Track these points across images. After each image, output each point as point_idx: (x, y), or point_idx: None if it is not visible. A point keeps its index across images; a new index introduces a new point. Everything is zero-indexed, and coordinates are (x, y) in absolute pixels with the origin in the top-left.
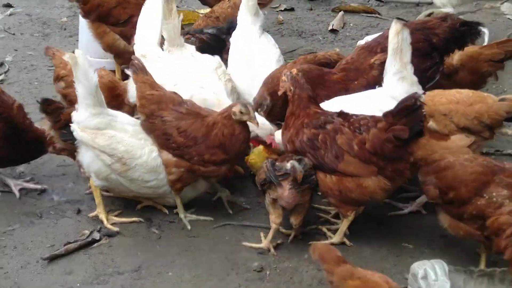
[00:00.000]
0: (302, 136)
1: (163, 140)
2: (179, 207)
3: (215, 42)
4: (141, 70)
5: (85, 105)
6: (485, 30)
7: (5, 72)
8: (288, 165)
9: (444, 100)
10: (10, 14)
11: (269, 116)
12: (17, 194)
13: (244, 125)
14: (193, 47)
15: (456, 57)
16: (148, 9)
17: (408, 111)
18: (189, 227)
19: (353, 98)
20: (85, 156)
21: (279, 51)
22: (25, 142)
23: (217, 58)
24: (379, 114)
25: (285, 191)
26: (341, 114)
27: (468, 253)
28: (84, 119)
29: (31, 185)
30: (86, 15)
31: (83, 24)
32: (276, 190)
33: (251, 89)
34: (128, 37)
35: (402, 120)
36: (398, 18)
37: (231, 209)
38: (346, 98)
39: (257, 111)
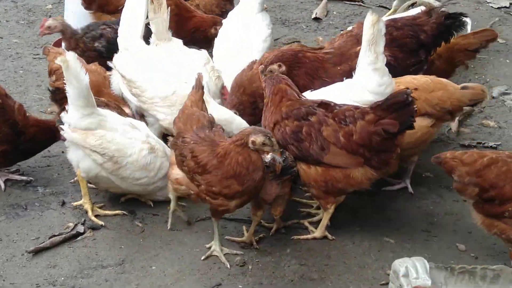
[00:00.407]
0: (285, 129)
1: (178, 160)
2: (172, 202)
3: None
4: (198, 86)
5: (76, 107)
6: (467, 20)
7: None
8: (268, 157)
9: (402, 87)
10: None
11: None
12: (2, 186)
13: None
14: (180, 41)
15: None
16: (132, 1)
17: (399, 106)
18: (169, 226)
19: (327, 90)
20: (74, 154)
21: (269, 31)
22: (29, 139)
23: (204, 53)
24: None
25: (267, 185)
26: (323, 104)
27: (449, 248)
28: (76, 120)
29: (16, 177)
30: (87, 6)
31: (69, 11)
32: None
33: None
34: None
35: (392, 114)
36: (382, 6)
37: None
38: (320, 91)
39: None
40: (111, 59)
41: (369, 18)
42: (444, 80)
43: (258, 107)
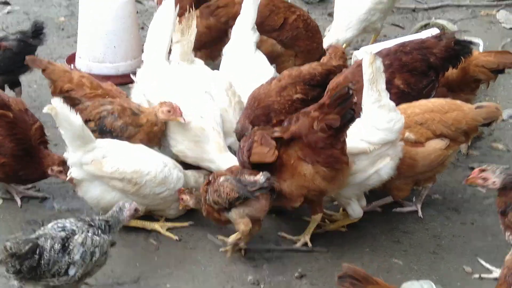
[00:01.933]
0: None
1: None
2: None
3: (21, 48)
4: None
5: (75, 147)
6: (479, 41)
7: None
8: (262, 178)
9: (418, 110)
10: (8, 12)
11: None
12: (19, 202)
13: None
14: (202, 62)
15: None
16: (159, 18)
17: (342, 100)
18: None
19: None
20: (90, 191)
21: (273, 68)
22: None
23: (226, 77)
24: (364, 144)
25: (263, 203)
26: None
27: (456, 270)
28: (79, 158)
29: (32, 193)
30: None
31: (82, 27)
32: (251, 204)
33: None
34: (284, 41)
35: (336, 109)
36: (394, 24)
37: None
38: None
39: (239, 140)
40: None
41: (366, 58)
42: (458, 101)
43: (271, 122)
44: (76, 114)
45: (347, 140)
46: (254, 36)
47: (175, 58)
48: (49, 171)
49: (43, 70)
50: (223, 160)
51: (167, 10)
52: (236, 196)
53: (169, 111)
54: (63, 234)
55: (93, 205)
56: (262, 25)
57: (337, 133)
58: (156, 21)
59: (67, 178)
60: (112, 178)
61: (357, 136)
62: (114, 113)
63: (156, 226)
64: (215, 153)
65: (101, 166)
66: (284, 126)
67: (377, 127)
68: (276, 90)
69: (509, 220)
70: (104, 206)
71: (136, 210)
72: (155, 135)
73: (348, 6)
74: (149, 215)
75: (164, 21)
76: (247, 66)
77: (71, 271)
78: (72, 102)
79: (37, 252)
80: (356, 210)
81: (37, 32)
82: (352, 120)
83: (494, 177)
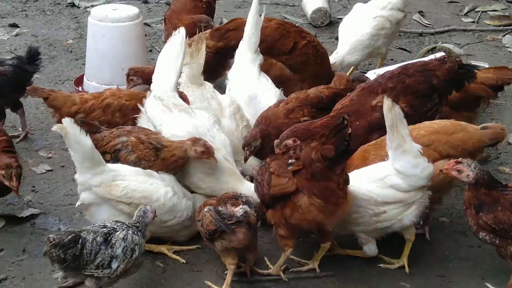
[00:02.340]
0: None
1: None
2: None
3: (16, 74)
4: None
5: (85, 169)
6: (485, 65)
7: None
8: (240, 211)
9: (423, 132)
10: (16, 35)
11: (255, 156)
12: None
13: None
14: (211, 86)
15: None
16: (170, 47)
17: (337, 131)
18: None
19: (364, 171)
20: (98, 214)
21: (280, 92)
22: None
23: (234, 101)
24: (386, 188)
25: (240, 237)
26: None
27: None
28: (88, 180)
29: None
30: None
31: (90, 49)
32: (229, 237)
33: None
34: (292, 65)
35: (331, 140)
36: (401, 48)
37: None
38: (358, 172)
39: (243, 149)
40: None
41: (385, 104)
42: (462, 122)
43: None
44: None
45: (376, 186)
46: (258, 58)
47: (184, 80)
48: None
49: (46, 99)
50: (244, 188)
51: (178, 41)
52: (214, 228)
53: (203, 152)
54: (105, 229)
55: None
56: (272, 49)
57: (332, 164)
58: (166, 52)
59: (76, 205)
60: (120, 202)
61: (385, 183)
62: (128, 146)
63: (163, 249)
64: (234, 183)
65: (110, 189)
66: (294, 155)
67: (403, 173)
68: (284, 112)
69: (484, 221)
70: None
71: (155, 213)
72: (177, 167)
73: (352, 32)
74: (156, 237)
75: (174, 51)
76: (251, 89)
77: (114, 265)
78: (88, 129)
79: (80, 242)
80: (372, 249)
81: (32, 58)
82: (347, 152)
83: (468, 171)
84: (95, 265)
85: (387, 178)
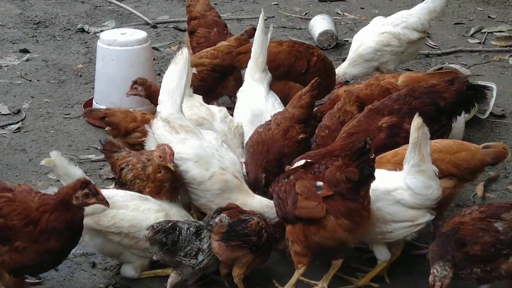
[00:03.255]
0: (272, 191)
1: None
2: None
3: None
4: None
5: None
6: (492, 85)
7: (22, 120)
8: (218, 218)
9: None
10: (27, 60)
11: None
12: None
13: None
14: (200, 97)
15: (401, 79)
16: (174, 68)
17: (359, 154)
18: None
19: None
20: (92, 242)
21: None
22: None
23: (221, 109)
24: (394, 205)
25: (214, 242)
26: (306, 165)
27: None
28: None
29: None
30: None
31: (99, 73)
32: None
33: None
34: (309, 83)
35: (354, 163)
36: (408, 69)
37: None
38: None
39: (253, 191)
40: None
41: (415, 122)
42: (464, 142)
43: (283, 166)
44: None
45: (385, 204)
46: (266, 77)
47: None
48: None
49: (103, 118)
50: (255, 202)
51: (182, 61)
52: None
53: (160, 157)
54: (196, 224)
55: (99, 252)
56: (289, 72)
57: (357, 187)
58: (171, 73)
59: None
60: (109, 232)
61: (393, 197)
62: (129, 165)
63: (168, 271)
64: (244, 199)
65: (98, 219)
66: (320, 174)
67: (414, 191)
68: (281, 133)
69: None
70: (109, 254)
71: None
72: (162, 183)
73: (357, 44)
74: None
75: (178, 72)
76: (257, 107)
77: (200, 257)
78: (109, 148)
79: (177, 229)
80: (384, 252)
81: None
82: (371, 176)
83: (444, 279)
84: (185, 252)
85: (396, 191)
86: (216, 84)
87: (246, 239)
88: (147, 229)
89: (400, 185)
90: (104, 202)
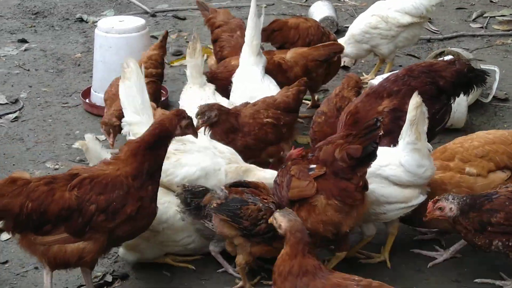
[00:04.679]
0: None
1: None
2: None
3: None
4: None
5: None
6: (495, 68)
7: (20, 109)
8: (224, 191)
9: (476, 143)
10: (25, 50)
11: (210, 127)
12: None
13: None
14: (212, 87)
15: (289, 54)
16: (130, 84)
17: (368, 131)
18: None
19: None
20: None
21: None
22: None
23: (230, 102)
24: (382, 170)
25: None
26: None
27: None
28: None
29: None
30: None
31: (97, 61)
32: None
33: None
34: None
35: (360, 139)
36: (409, 55)
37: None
38: None
39: (196, 117)
40: None
41: (414, 100)
42: None
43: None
44: (107, 152)
45: (379, 186)
46: (261, 60)
47: (188, 83)
48: None
49: None
50: (268, 174)
51: (134, 73)
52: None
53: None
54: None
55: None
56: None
57: (357, 165)
58: (128, 89)
59: None
60: None
61: (383, 171)
62: None
63: (167, 260)
64: (256, 176)
65: None
66: (313, 157)
67: (407, 169)
68: (250, 112)
69: (491, 231)
70: (124, 244)
71: None
72: None
73: (353, 25)
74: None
75: (136, 86)
76: (254, 91)
77: None
78: None
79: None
80: (370, 228)
81: None
82: (373, 155)
83: (448, 204)
84: (208, 220)
85: (387, 166)
86: None
87: (235, 219)
88: (178, 186)
89: (393, 161)
90: (197, 134)
